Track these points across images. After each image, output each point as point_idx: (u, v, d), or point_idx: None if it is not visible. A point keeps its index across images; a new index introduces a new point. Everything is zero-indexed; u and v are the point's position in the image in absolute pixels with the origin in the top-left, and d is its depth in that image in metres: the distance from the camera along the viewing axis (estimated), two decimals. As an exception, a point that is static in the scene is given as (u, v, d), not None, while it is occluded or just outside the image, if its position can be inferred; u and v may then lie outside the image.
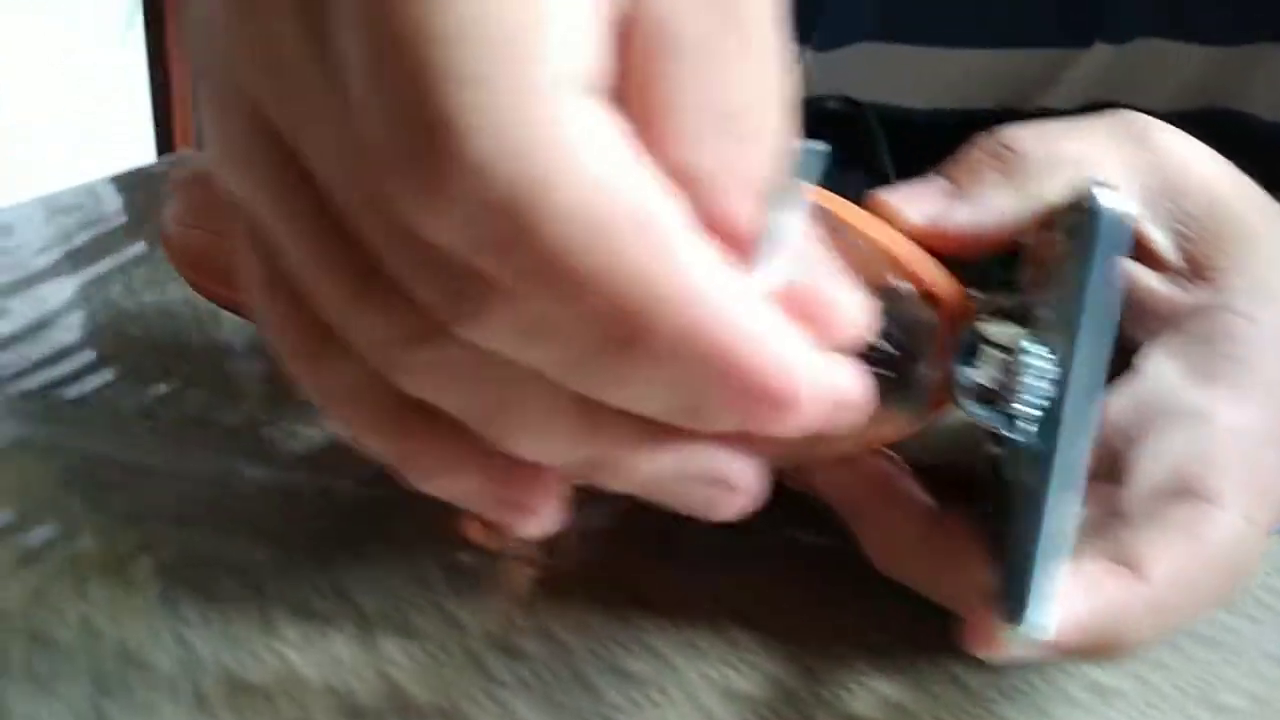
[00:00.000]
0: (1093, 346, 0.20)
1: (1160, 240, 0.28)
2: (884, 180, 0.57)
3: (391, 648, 0.26)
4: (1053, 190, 0.27)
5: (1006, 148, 0.27)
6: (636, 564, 0.30)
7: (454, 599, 0.28)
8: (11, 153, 1.95)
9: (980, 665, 0.25)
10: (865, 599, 0.28)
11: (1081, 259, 0.19)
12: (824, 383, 0.17)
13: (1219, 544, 0.23)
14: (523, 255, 0.15)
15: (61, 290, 0.46)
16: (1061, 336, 0.20)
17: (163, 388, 0.37)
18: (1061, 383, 0.20)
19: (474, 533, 0.31)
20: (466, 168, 0.15)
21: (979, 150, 0.28)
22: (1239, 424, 0.25)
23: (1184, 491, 0.24)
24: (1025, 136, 0.28)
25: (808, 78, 0.71)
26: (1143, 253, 0.28)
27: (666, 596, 0.29)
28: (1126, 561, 0.23)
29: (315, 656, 0.26)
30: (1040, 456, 0.21)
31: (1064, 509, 0.21)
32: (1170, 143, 0.28)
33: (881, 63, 0.69)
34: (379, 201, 0.16)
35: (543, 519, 0.20)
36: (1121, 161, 0.28)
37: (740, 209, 0.17)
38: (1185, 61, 0.64)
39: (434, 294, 0.16)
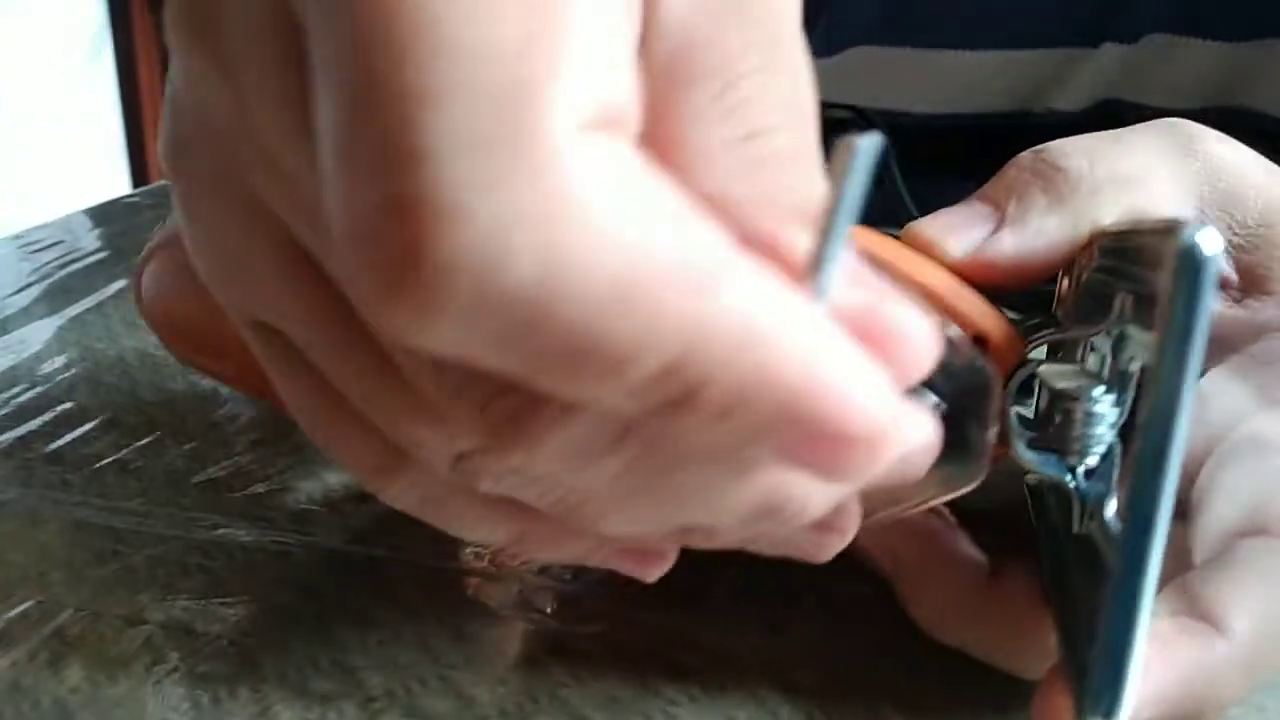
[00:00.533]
0: (1187, 406, 0.18)
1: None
2: (892, 193, 0.55)
3: (399, 732, 0.24)
4: (1105, 213, 0.25)
5: (1052, 166, 0.25)
6: (664, 624, 0.28)
7: (465, 670, 0.26)
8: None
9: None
10: (914, 656, 0.26)
11: (1179, 308, 0.17)
12: (904, 423, 0.15)
13: None
14: (550, 357, 0.13)
15: (39, 333, 0.43)
16: (1150, 398, 0.18)
17: (145, 439, 0.35)
18: (1154, 454, 0.18)
19: (482, 593, 0.29)
20: (456, 263, 0.12)
21: (1021, 170, 0.26)
22: None
23: (1256, 530, 0.22)
24: (1071, 153, 0.25)
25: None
26: None
27: (699, 661, 0.26)
28: (1204, 615, 0.21)
29: (316, 745, 0.24)
30: (1128, 536, 0.18)
31: (1151, 588, 0.19)
32: (1219, 151, 0.26)
33: (884, 67, 0.67)
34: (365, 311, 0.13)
35: (668, 560, 0.19)
36: (1172, 175, 0.26)
37: (783, 233, 0.15)
38: (1196, 58, 0.62)
39: (464, 415, 0.14)
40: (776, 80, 0.16)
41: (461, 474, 0.16)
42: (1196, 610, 0.21)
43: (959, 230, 0.25)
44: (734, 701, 0.25)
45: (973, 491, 0.26)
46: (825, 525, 0.18)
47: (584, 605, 0.28)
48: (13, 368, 0.40)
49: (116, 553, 0.30)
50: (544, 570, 0.29)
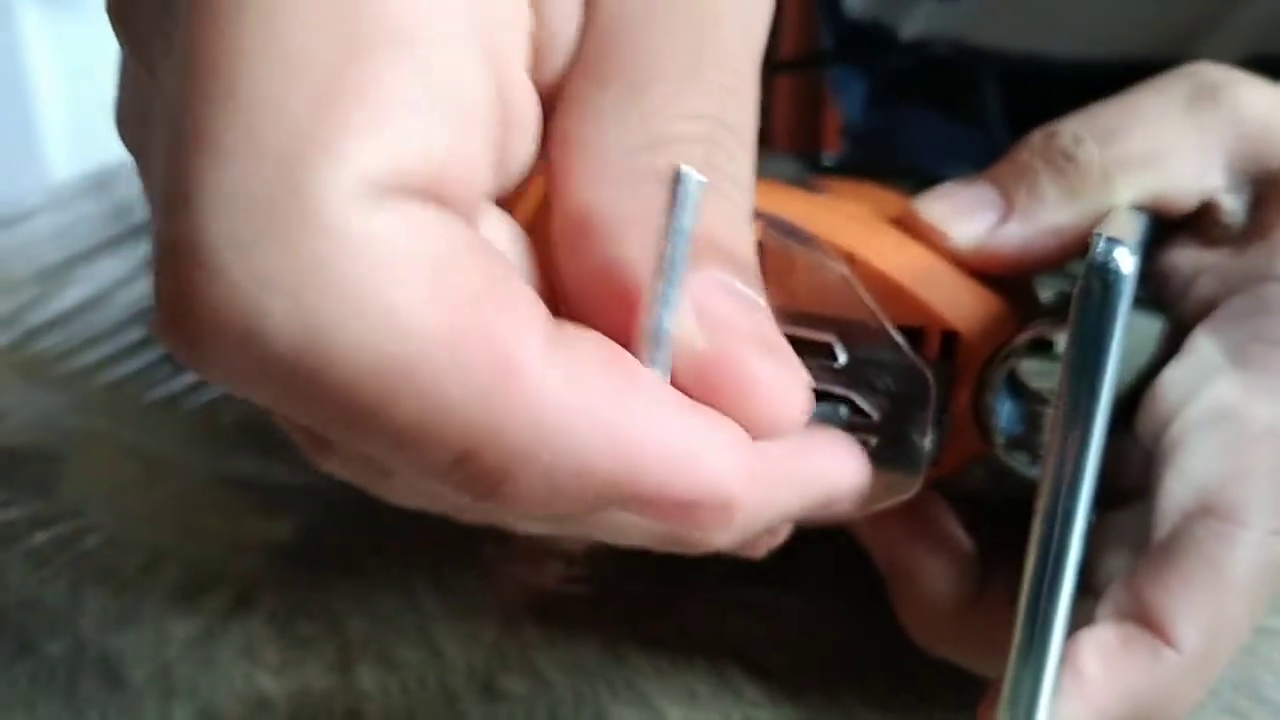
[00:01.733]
0: (1098, 424, 0.17)
1: (1236, 211, 0.24)
2: (987, 137, 0.52)
3: (368, 680, 0.25)
4: (1121, 200, 0.23)
5: (1064, 154, 0.23)
6: (647, 595, 0.28)
7: (443, 623, 0.27)
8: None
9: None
10: (889, 649, 0.25)
11: (1083, 325, 0.16)
12: (761, 479, 0.14)
13: (1244, 574, 0.20)
14: (332, 422, 0.12)
15: (116, 268, 0.46)
16: (1056, 421, 0.17)
17: (190, 376, 0.37)
18: (1060, 468, 0.17)
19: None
20: (215, 316, 0.11)
21: (1033, 154, 0.24)
22: (1272, 420, 0.21)
23: (1205, 512, 0.20)
24: (1086, 135, 0.23)
25: (925, 30, 0.66)
26: (1215, 230, 0.24)
27: (672, 635, 0.26)
28: (1151, 623, 0.20)
29: (290, 685, 0.25)
30: (1038, 545, 0.17)
31: (1065, 600, 0.18)
32: (1249, 97, 0.24)
33: (1015, 8, 0.63)
34: None
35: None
36: (1199, 140, 0.24)
37: (634, 256, 0.14)
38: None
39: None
40: (696, 88, 0.15)
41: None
42: (1143, 616, 0.20)
43: (963, 217, 0.23)
44: (698, 676, 0.25)
45: (982, 481, 0.25)
46: None
47: (577, 566, 0.29)
48: (92, 296, 0.43)
49: (143, 485, 0.32)
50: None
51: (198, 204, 0.11)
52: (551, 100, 0.15)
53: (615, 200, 0.14)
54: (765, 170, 0.31)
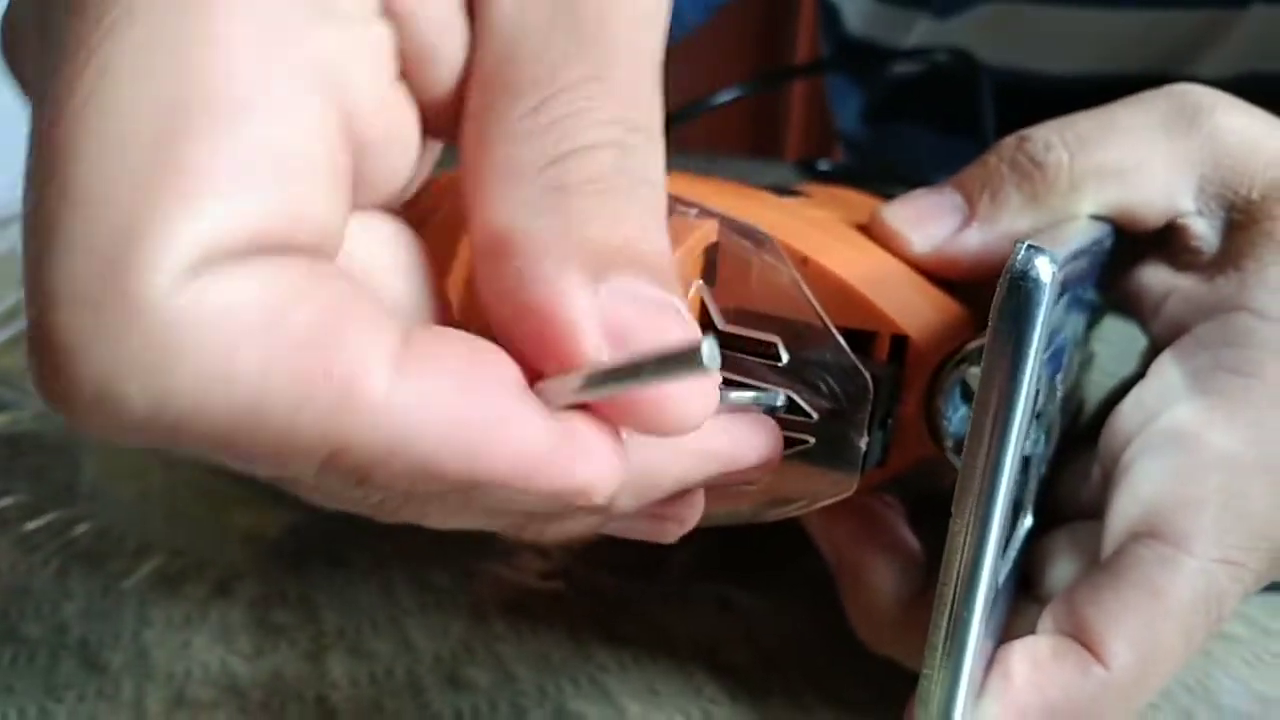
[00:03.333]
0: (1013, 437, 0.17)
1: (1207, 236, 0.24)
2: (981, 150, 0.52)
3: (338, 669, 0.26)
4: (1084, 209, 0.24)
5: (1031, 160, 0.24)
6: (616, 591, 0.28)
7: (415, 616, 0.27)
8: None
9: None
10: (848, 646, 0.25)
11: (999, 334, 0.17)
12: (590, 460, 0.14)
13: (1185, 600, 0.20)
14: (196, 448, 0.13)
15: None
16: (974, 427, 0.17)
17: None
18: (975, 476, 0.17)
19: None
20: (81, 394, 0.12)
21: (1001, 160, 0.24)
22: (1227, 448, 0.21)
23: (1151, 535, 0.21)
24: (1056, 143, 0.24)
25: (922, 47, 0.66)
26: (1185, 254, 0.24)
27: (637, 631, 0.27)
28: (1084, 638, 0.20)
29: (261, 671, 0.26)
30: (951, 550, 0.18)
31: (979, 606, 0.18)
32: (1229, 122, 0.24)
33: (1010, 25, 0.63)
34: None
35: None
36: (1170, 160, 0.24)
37: (551, 275, 0.14)
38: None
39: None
40: (604, 92, 0.15)
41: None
42: (1078, 631, 0.20)
43: (925, 223, 0.24)
44: (660, 672, 0.26)
45: (932, 482, 0.25)
46: (659, 515, 0.18)
47: (551, 560, 0.29)
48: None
49: (132, 478, 0.33)
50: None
51: (46, 299, 0.12)
52: (452, 109, 0.16)
53: (530, 219, 0.14)
54: (756, 176, 0.32)
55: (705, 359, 0.13)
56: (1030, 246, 0.17)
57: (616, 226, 0.14)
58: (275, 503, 0.31)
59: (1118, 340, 0.29)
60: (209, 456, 0.13)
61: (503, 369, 0.14)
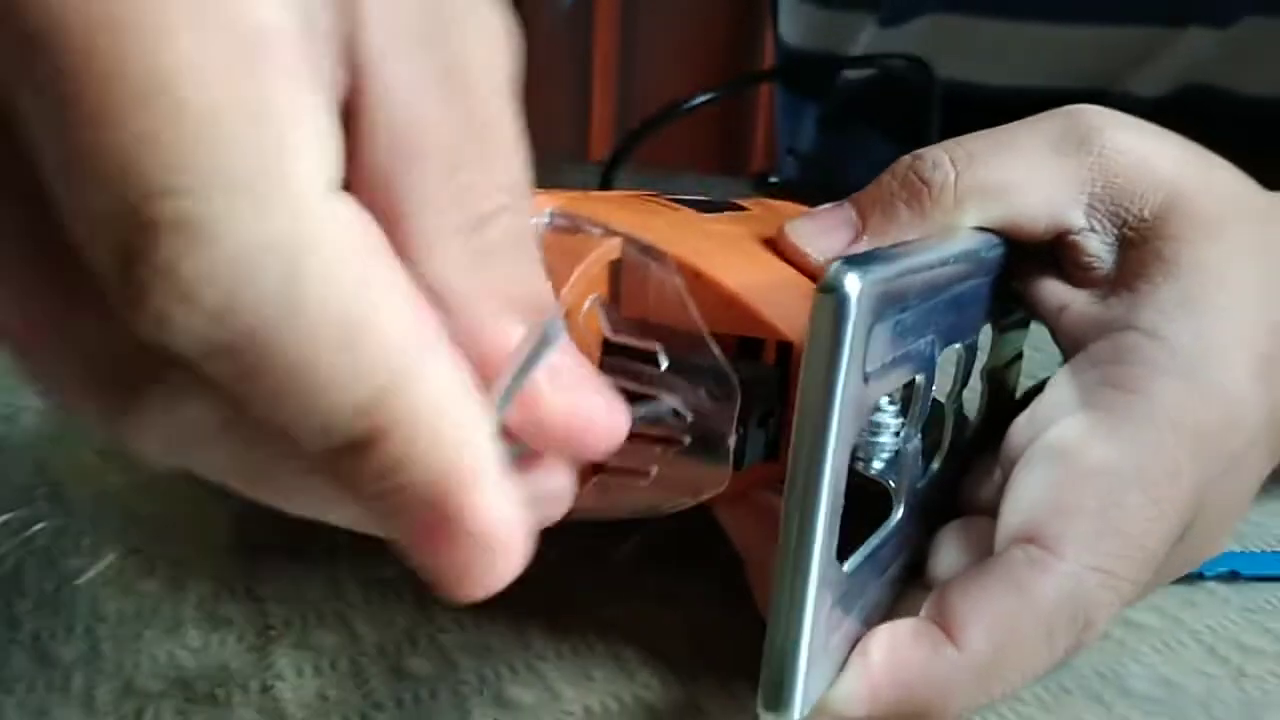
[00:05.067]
0: (820, 435, 0.19)
1: (1100, 254, 0.25)
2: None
3: (283, 661, 0.26)
4: (967, 224, 0.25)
5: (920, 177, 0.25)
6: (557, 583, 0.29)
7: (361, 609, 0.28)
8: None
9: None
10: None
11: (812, 347, 0.18)
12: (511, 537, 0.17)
13: (1049, 600, 0.21)
14: (267, 376, 0.14)
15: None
16: (795, 429, 0.19)
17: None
18: (796, 483, 0.19)
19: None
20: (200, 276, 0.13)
21: (893, 178, 0.26)
22: (1106, 461, 0.22)
23: (1028, 539, 0.22)
24: (945, 162, 0.25)
25: (868, 53, 0.67)
26: (1079, 270, 0.26)
27: (578, 620, 0.28)
28: (943, 621, 0.21)
29: (207, 663, 0.26)
30: (783, 542, 0.20)
31: (809, 591, 0.19)
32: (1123, 141, 0.25)
33: (953, 37, 0.65)
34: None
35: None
36: (1059, 178, 0.25)
37: (492, 328, 0.16)
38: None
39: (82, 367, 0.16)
40: (495, 158, 0.16)
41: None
42: (940, 615, 0.21)
43: (822, 237, 0.25)
44: (597, 660, 0.27)
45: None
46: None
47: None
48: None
49: (96, 479, 0.33)
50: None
51: (196, 183, 0.13)
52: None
53: (459, 278, 0.16)
54: (714, 190, 0.33)
55: (550, 336, 0.16)
56: (844, 262, 0.18)
57: (527, 279, 0.17)
58: (226, 500, 0.32)
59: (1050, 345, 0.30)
60: (256, 387, 0.14)
61: None
